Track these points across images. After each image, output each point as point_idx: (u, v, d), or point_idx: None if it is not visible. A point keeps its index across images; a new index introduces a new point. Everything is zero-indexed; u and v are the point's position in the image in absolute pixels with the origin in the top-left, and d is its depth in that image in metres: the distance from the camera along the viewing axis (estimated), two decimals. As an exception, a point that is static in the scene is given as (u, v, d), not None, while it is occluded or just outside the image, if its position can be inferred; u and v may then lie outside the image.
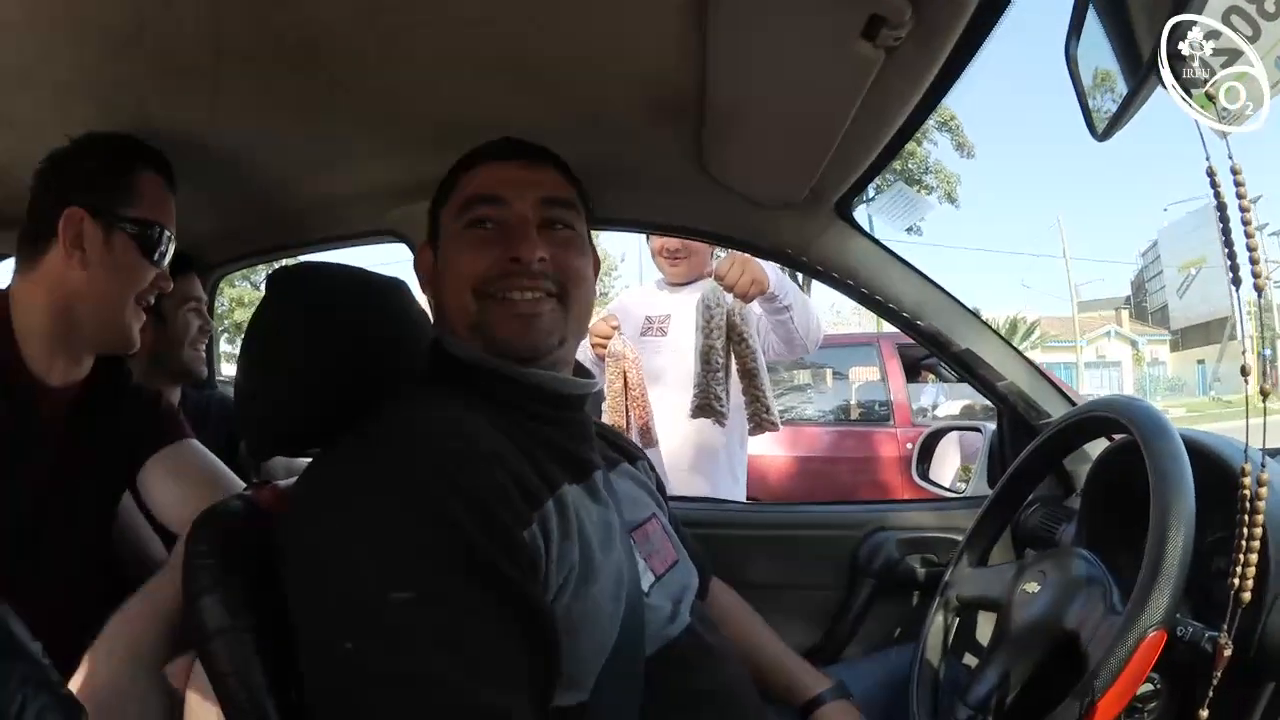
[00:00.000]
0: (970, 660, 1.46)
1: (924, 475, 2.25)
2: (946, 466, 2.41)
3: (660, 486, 1.33)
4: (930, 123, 23.47)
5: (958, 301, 1.82)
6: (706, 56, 1.08)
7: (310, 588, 0.84)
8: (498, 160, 1.08)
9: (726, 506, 2.26)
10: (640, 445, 1.82)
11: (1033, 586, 1.17)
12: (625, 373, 2.35)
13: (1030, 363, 1.86)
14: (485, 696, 0.76)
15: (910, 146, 22.39)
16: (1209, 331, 39.77)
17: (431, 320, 1.16)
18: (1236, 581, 0.83)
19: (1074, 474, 1.74)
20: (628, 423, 2.32)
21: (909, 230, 23.32)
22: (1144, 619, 0.90)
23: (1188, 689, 1.02)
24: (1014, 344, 1.88)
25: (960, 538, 1.50)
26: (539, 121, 1.22)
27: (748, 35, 1.00)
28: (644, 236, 2.65)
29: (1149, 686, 1.00)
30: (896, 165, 22.21)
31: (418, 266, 1.14)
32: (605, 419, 2.32)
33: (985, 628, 1.41)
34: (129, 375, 1.44)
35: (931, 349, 1.84)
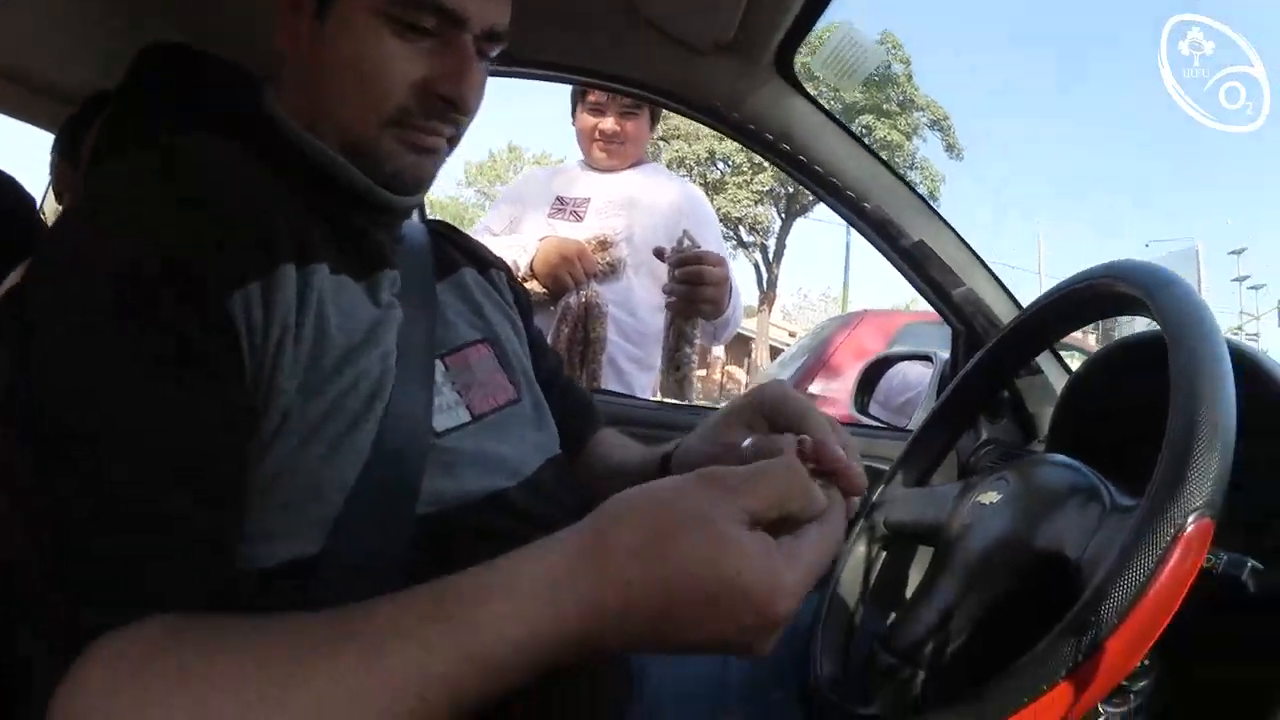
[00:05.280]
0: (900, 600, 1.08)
1: (863, 408, 1.90)
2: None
3: (523, 303, 1.10)
4: (922, 120, 23.34)
5: (911, 188, 1.47)
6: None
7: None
8: None
9: (640, 404, 1.94)
10: None
11: (990, 497, 0.80)
12: (587, 327, 1.92)
13: (990, 271, 1.51)
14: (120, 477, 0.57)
15: (897, 139, 22.37)
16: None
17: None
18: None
19: (1036, 416, 1.43)
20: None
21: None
22: (1182, 500, 0.53)
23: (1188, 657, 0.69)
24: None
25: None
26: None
27: None
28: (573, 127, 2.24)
29: None
30: (883, 156, 22.21)
31: (282, 6, 0.85)
32: None
33: (922, 561, 1.05)
34: None
35: (878, 240, 1.48)
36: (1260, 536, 0.74)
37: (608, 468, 1.07)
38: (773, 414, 0.79)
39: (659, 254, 1.76)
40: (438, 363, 0.83)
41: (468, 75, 0.82)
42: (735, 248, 23.08)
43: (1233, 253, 27.77)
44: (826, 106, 1.46)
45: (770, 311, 24.41)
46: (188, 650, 0.51)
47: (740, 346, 23.75)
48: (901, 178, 1.47)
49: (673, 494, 0.54)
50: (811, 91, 1.45)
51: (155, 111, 0.93)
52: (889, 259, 1.51)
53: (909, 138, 23.38)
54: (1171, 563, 0.51)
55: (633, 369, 2.08)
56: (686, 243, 1.71)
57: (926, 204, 1.47)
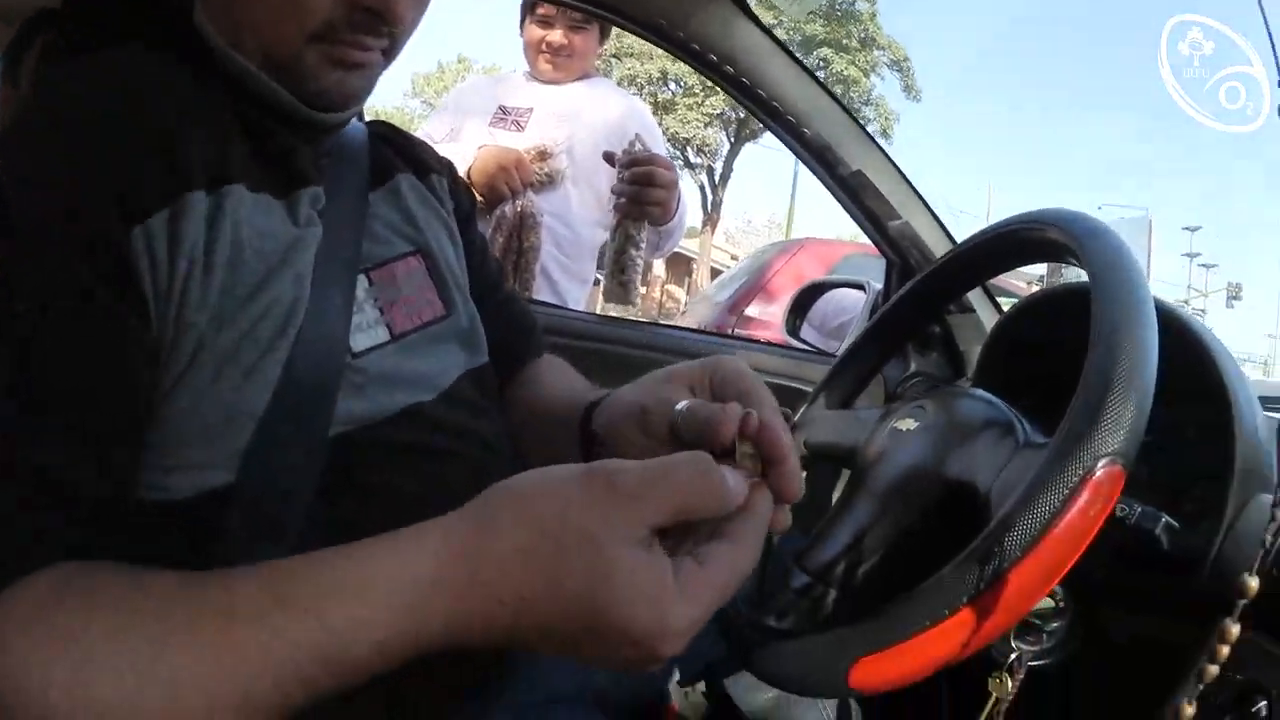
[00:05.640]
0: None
1: (794, 331, 1.91)
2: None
3: (464, 209, 1.03)
4: (882, 59, 23.16)
5: (853, 117, 1.46)
6: None
7: None
8: None
9: (576, 315, 1.92)
10: None
11: (907, 424, 0.81)
12: (521, 236, 1.89)
13: (928, 206, 1.52)
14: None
15: (855, 74, 22.21)
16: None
17: None
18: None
19: (966, 354, 1.45)
20: None
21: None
22: (1092, 444, 0.53)
23: (1103, 606, 0.74)
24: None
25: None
26: None
27: None
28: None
29: (1047, 601, 0.72)
30: (838, 90, 22.06)
31: None
32: None
33: (842, 483, 1.06)
34: None
35: (816, 168, 1.47)
36: (1181, 499, 0.77)
37: (533, 408, 0.99)
38: (721, 385, 0.71)
39: (609, 158, 1.74)
40: (361, 278, 0.80)
41: None
42: (682, 169, 22.91)
43: (1187, 229, 28.20)
44: (785, 38, 1.43)
45: (713, 233, 24.39)
46: (69, 610, 0.50)
47: (681, 266, 23.76)
48: (845, 108, 1.46)
49: (561, 502, 0.49)
50: (770, 22, 1.43)
51: (94, 30, 0.87)
52: (827, 186, 1.50)
53: (866, 75, 23.28)
54: (1079, 503, 0.52)
55: (565, 280, 2.07)
56: (638, 145, 1.69)
57: (868, 135, 1.47)
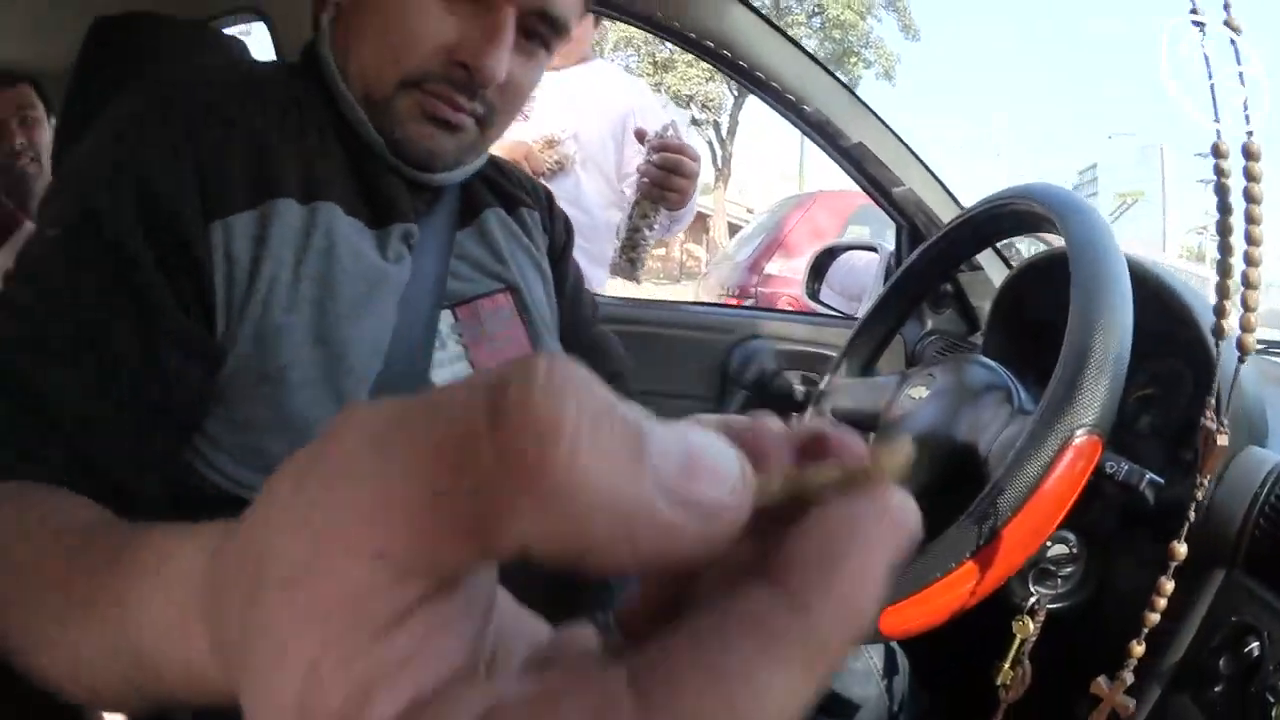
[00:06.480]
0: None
1: (814, 295, 1.97)
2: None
3: (557, 243, 1.04)
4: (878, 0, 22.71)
5: (850, 90, 1.52)
6: None
7: None
8: None
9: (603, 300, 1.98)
10: None
11: (919, 391, 0.89)
12: None
13: (930, 171, 1.57)
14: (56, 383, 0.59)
15: (851, 18, 21.78)
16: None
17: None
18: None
19: (979, 309, 1.51)
20: None
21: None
22: (1069, 416, 0.61)
23: (1113, 557, 0.78)
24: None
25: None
26: None
27: None
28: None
29: (1062, 549, 0.76)
30: (835, 35, 21.71)
31: None
32: None
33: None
34: None
35: (819, 140, 1.54)
36: (1181, 447, 0.82)
37: None
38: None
39: (639, 135, 1.79)
40: (446, 313, 0.82)
41: (496, 45, 0.75)
42: (689, 125, 22.71)
43: (1199, 155, 27.60)
44: None
45: (725, 188, 24.24)
46: None
47: (698, 223, 23.60)
48: (844, 83, 1.52)
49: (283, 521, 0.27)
50: None
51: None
52: (831, 157, 1.57)
53: (863, 17, 22.82)
54: (1059, 469, 0.60)
55: (587, 263, 2.11)
56: (670, 131, 1.75)
57: (866, 107, 1.52)
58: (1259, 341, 0.82)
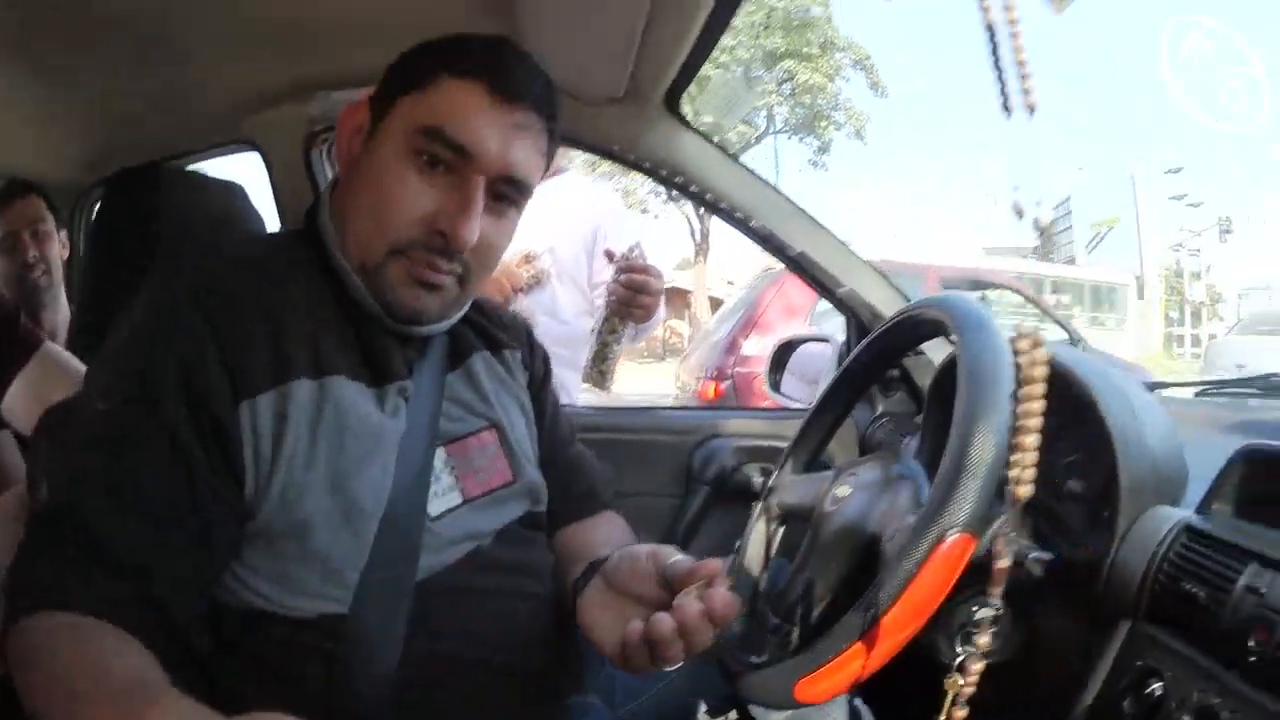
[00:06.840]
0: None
1: (776, 386, 2.09)
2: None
3: (536, 378, 1.14)
4: (844, 60, 23.11)
5: (792, 203, 1.68)
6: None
7: None
8: (486, 90, 0.87)
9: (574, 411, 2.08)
10: None
11: (843, 490, 1.01)
12: None
13: (873, 268, 1.72)
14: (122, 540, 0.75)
15: (820, 81, 22.15)
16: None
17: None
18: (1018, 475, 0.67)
19: (924, 389, 1.62)
20: None
21: (813, 165, 23.07)
22: (943, 519, 0.72)
23: (1038, 614, 0.90)
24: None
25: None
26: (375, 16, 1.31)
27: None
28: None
29: (989, 611, 0.80)
30: (805, 100, 22.08)
31: (344, 123, 0.94)
32: None
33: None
34: None
35: (768, 250, 1.70)
36: (1102, 506, 0.90)
37: (567, 554, 1.06)
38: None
39: (609, 255, 1.90)
40: (439, 450, 0.93)
41: (468, 214, 0.85)
42: (665, 202, 22.93)
43: (1169, 171, 27.77)
44: (747, 56, 1.60)
45: (705, 262, 24.45)
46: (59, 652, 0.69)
47: (680, 300, 23.84)
48: (786, 197, 1.67)
49: None
50: (729, 44, 1.61)
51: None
52: (781, 262, 1.73)
53: (831, 79, 23.19)
54: (932, 565, 0.71)
55: (565, 371, 2.22)
56: (636, 252, 1.87)
57: (809, 217, 1.67)
58: (1202, 383, 0.89)
